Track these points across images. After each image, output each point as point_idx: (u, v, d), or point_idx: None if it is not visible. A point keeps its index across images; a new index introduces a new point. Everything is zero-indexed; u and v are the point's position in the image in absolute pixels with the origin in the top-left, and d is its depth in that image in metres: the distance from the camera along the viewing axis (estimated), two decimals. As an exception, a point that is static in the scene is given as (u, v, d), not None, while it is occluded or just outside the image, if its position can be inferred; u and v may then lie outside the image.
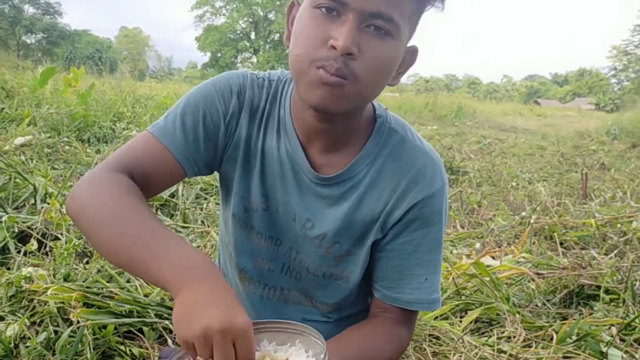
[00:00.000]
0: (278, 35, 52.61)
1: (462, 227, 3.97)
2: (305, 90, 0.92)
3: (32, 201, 2.84)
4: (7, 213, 2.51)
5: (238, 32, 54.33)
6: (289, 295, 1.20)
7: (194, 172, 1.08)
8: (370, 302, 1.18)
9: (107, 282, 2.04)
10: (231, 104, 1.07)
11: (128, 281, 2.10)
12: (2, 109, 5.95)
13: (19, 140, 4.31)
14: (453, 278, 2.36)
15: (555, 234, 3.50)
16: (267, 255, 1.17)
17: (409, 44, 0.99)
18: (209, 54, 54.32)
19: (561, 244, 3.39)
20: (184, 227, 3.04)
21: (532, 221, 3.61)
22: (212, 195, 3.79)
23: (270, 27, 53.07)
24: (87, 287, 1.93)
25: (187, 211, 3.30)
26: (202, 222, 3.26)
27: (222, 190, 1.20)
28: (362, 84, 0.91)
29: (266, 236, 1.15)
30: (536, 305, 2.39)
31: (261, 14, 53.67)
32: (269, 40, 53.88)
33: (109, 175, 0.97)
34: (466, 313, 2.22)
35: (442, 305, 2.22)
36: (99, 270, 2.11)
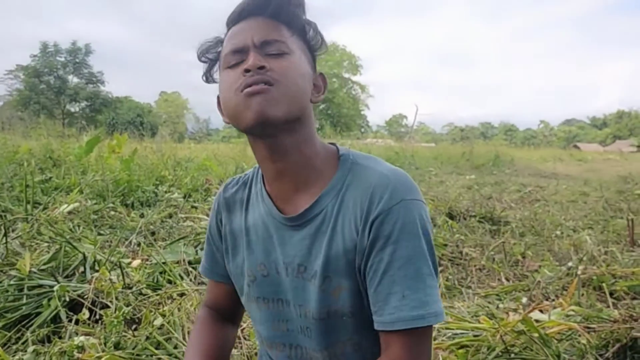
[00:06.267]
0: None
1: (507, 280, 3.90)
2: (242, 115, 1.06)
3: (82, 269, 2.92)
4: (58, 282, 2.58)
5: (273, 90, 55.50)
6: (306, 355, 1.22)
7: None
8: None
9: (156, 348, 2.08)
10: (216, 217, 1.33)
11: (175, 347, 2.13)
12: (50, 177, 6.18)
13: (67, 209, 4.46)
14: (501, 335, 2.32)
15: (604, 284, 3.41)
16: (282, 316, 1.22)
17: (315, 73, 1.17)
18: (245, 113, 55.46)
19: (611, 294, 3.30)
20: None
21: (579, 272, 3.53)
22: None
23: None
24: (137, 355, 1.97)
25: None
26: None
27: (232, 278, 1.32)
28: (284, 85, 1.04)
29: (273, 300, 1.21)
30: (589, 361, 2.32)
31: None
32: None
33: (198, 314, 1.42)
34: (517, 372, 2.17)
35: (492, 364, 2.18)
36: (147, 337, 2.15)
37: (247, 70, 1.04)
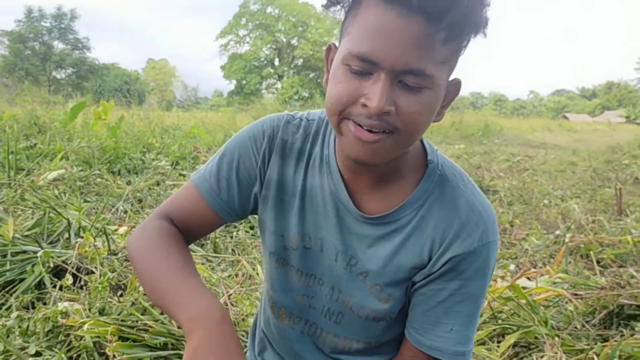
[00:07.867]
0: (302, 60, 53.25)
1: (495, 248, 3.91)
2: (344, 144, 0.93)
3: (66, 235, 2.89)
4: (42, 248, 2.55)
5: (262, 59, 54.93)
6: (326, 338, 1.18)
7: (231, 218, 1.14)
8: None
9: (142, 314, 2.05)
10: (262, 149, 1.10)
11: (162, 313, 2.11)
12: (35, 144, 6.09)
13: (52, 175, 4.40)
14: (489, 302, 2.32)
15: (591, 252, 3.44)
16: (309, 292, 1.15)
17: (452, 78, 0.94)
18: (234, 82, 54.98)
19: (598, 262, 3.32)
20: (214, 256, 3.05)
21: (566, 240, 3.55)
22: (242, 224, 3.81)
23: (293, 52, 53.66)
24: (122, 321, 1.95)
25: (217, 240, 3.32)
26: (233, 250, 3.27)
27: (260, 230, 1.19)
28: (403, 136, 0.89)
29: (306, 274, 1.14)
30: (575, 328, 2.33)
31: (284, 40, 54.35)
32: (292, 66, 54.34)
33: (153, 224, 1.09)
34: (503, 337, 2.17)
35: (479, 330, 2.18)
36: (133, 303, 2.13)
37: (365, 105, 0.85)
